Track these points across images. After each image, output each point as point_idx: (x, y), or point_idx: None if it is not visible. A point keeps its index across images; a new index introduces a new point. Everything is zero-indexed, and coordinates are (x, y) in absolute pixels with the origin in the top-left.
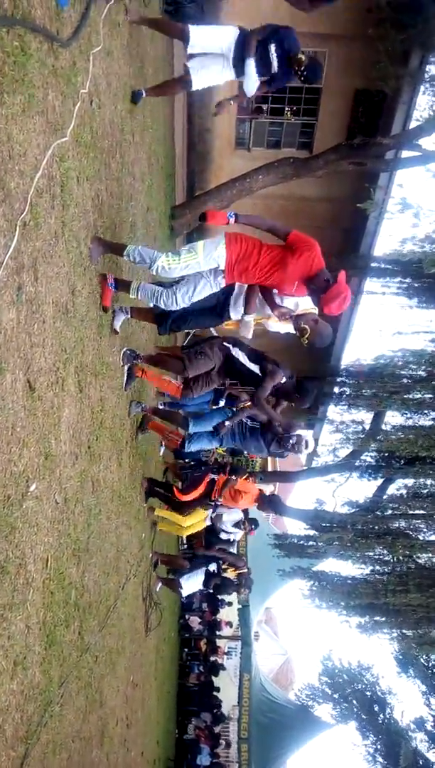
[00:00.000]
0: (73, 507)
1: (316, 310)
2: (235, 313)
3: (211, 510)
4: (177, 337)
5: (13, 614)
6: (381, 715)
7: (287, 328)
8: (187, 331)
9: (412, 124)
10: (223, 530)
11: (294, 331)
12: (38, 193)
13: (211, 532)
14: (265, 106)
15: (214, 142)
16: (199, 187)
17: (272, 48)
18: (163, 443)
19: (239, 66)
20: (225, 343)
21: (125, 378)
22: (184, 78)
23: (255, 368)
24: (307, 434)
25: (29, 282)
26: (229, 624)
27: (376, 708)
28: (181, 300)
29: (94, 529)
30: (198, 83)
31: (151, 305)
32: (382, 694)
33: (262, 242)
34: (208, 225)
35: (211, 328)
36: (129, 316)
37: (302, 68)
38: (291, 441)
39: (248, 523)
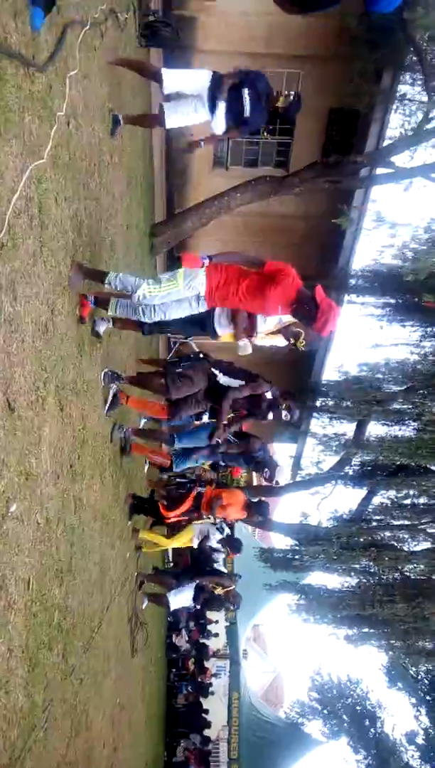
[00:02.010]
0: (55, 527)
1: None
2: (221, 329)
3: (200, 526)
4: (159, 350)
5: None
6: (372, 730)
7: (274, 341)
8: (171, 339)
9: (386, 142)
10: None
11: (285, 341)
12: (16, 214)
13: (198, 551)
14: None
15: (193, 161)
16: (178, 206)
17: (245, 92)
18: (149, 461)
19: (213, 107)
20: (212, 369)
21: (108, 403)
22: (160, 116)
23: (238, 382)
24: (281, 469)
25: (8, 302)
26: (216, 652)
27: (367, 722)
28: (160, 313)
29: (77, 549)
30: (172, 123)
31: (130, 317)
32: (373, 708)
33: (241, 270)
34: (188, 242)
35: (192, 343)
36: (111, 325)
37: (283, 107)
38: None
39: (231, 547)
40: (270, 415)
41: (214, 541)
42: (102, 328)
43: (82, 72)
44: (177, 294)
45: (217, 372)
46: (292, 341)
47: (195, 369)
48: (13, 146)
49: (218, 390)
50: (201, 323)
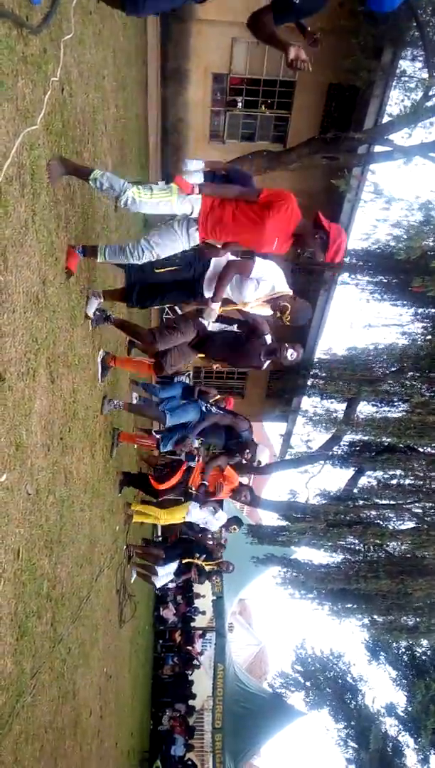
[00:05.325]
0: (45, 498)
1: (290, 292)
2: (209, 292)
3: (194, 504)
4: (151, 321)
5: None
6: (353, 702)
7: (263, 311)
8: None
9: (385, 119)
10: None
11: (272, 312)
12: (7, 181)
13: (189, 527)
14: (239, 99)
15: (188, 134)
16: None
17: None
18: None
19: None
20: (200, 319)
21: (100, 370)
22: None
23: (232, 327)
24: (262, 449)
25: None
26: (204, 633)
27: (348, 695)
28: (148, 249)
29: (67, 520)
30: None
31: (121, 262)
32: (354, 681)
33: (236, 199)
34: None
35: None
36: (102, 299)
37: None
38: (248, 451)
39: (237, 523)
40: (266, 363)
41: (215, 526)
42: (92, 307)
43: (76, 37)
44: (168, 207)
45: (204, 320)
46: (279, 314)
47: (184, 319)
48: (6, 110)
49: (210, 341)
50: (191, 284)
